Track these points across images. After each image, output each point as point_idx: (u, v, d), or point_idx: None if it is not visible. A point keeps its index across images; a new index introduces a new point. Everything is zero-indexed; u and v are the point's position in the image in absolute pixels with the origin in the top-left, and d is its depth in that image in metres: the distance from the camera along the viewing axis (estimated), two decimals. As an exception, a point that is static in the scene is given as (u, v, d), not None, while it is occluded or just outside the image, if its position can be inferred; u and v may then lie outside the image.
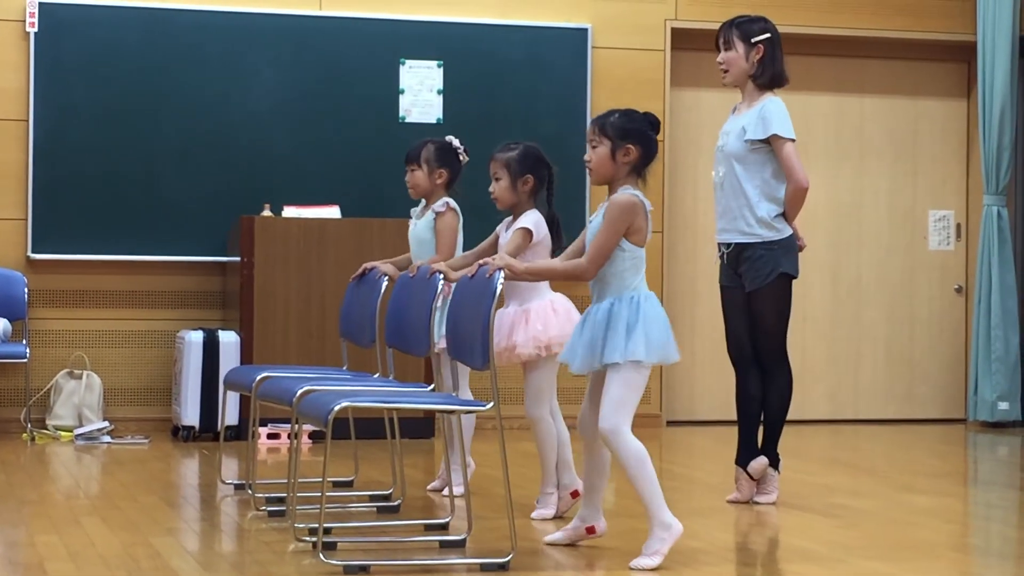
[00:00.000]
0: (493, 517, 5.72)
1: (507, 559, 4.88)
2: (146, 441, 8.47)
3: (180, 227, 8.92)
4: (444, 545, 5.25)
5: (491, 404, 5.02)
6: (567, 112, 9.38)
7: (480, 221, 6.57)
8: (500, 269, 4.97)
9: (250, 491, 6.13)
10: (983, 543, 5.89)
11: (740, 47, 6.38)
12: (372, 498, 6.29)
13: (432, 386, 6.00)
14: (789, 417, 6.50)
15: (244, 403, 8.12)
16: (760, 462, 6.38)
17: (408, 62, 9.27)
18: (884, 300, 10.24)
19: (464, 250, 6.39)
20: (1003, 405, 9.77)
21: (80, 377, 8.75)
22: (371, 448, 7.28)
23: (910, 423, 10.12)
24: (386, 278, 6.33)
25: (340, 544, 5.19)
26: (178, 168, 8.95)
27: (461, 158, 6.58)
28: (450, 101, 9.28)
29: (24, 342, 8.62)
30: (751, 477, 6.39)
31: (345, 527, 5.58)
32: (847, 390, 10.17)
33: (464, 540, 5.23)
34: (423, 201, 6.64)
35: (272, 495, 6.09)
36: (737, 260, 6.38)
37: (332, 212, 8.75)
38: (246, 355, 8.47)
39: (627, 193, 5.01)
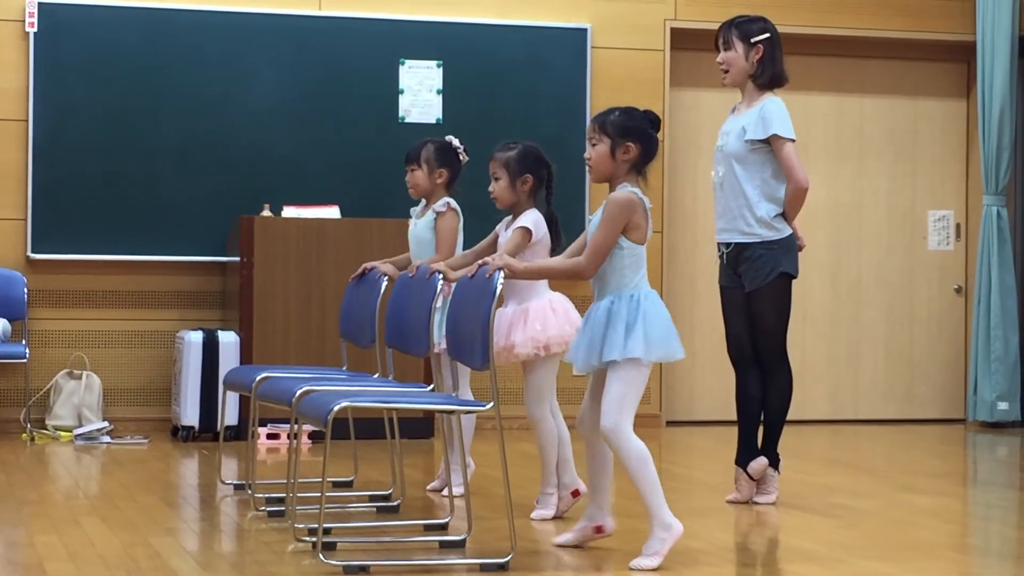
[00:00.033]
0: (493, 517, 5.72)
1: (507, 559, 4.88)
2: (146, 441, 8.47)
3: (180, 227, 8.92)
4: (444, 545, 5.25)
5: (491, 404, 5.02)
6: (567, 112, 9.38)
7: (480, 221, 6.57)
8: (500, 269, 4.96)
9: (250, 491, 6.13)
10: (983, 543, 5.88)
11: (740, 47, 6.38)
12: (372, 498, 6.29)
13: (432, 386, 6.00)
14: (789, 417, 6.50)
15: (244, 403, 8.11)
16: (760, 462, 6.38)
17: (408, 62, 9.27)
18: (884, 300, 10.24)
19: (464, 250, 6.39)
20: (1002, 405, 9.77)
21: (80, 377, 8.75)
22: (371, 448, 7.28)
23: (910, 423, 10.12)
24: (386, 278, 6.33)
25: (340, 544, 5.19)
26: (178, 168, 8.95)
27: (461, 158, 6.58)
28: (450, 101, 9.28)
29: (24, 342, 8.62)
30: (751, 477, 6.39)
31: (345, 527, 5.58)
32: (847, 390, 10.17)
33: (464, 540, 5.23)
34: (423, 201, 6.64)
35: (272, 495, 6.09)
36: (737, 260, 6.38)
37: (332, 212, 8.75)
38: (246, 355, 8.47)
39: (625, 191, 5.01)
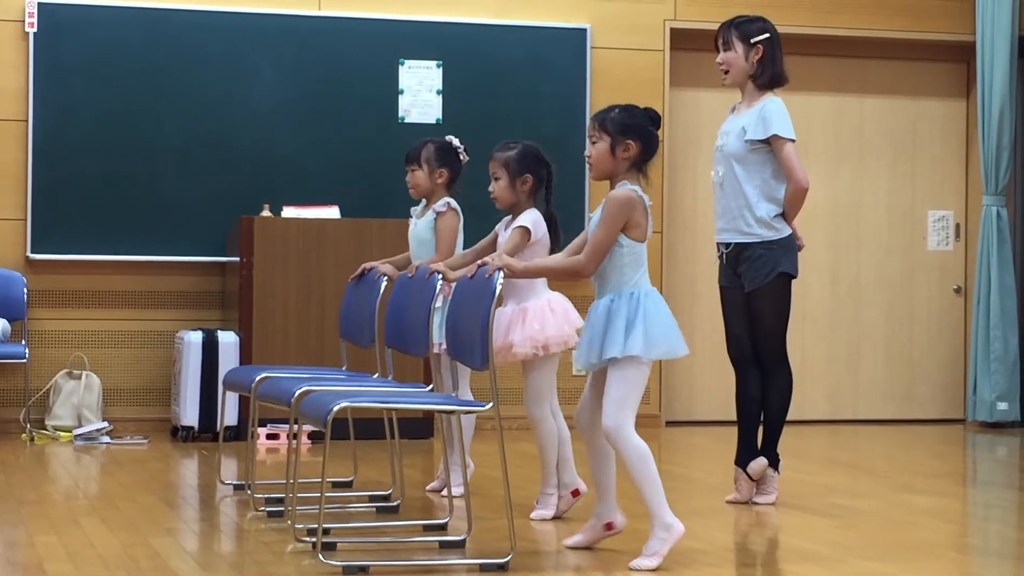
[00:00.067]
0: (492, 517, 5.72)
1: (506, 559, 4.88)
2: (145, 441, 8.47)
3: (180, 227, 8.92)
4: (444, 545, 5.25)
5: (490, 404, 5.02)
6: (566, 112, 9.38)
7: (480, 221, 6.57)
8: (499, 269, 4.96)
9: (249, 491, 6.12)
10: (982, 543, 5.89)
11: (739, 47, 6.38)
12: (371, 498, 6.29)
13: (431, 386, 6.00)
14: (788, 417, 6.50)
15: (243, 403, 8.11)
16: (759, 463, 6.38)
17: (407, 62, 9.27)
18: (883, 300, 10.24)
19: (464, 249, 6.39)
20: (1002, 405, 9.77)
21: (79, 377, 8.75)
22: (370, 448, 7.28)
23: (909, 423, 10.12)
24: (385, 278, 6.33)
25: (339, 544, 5.19)
26: (178, 168, 8.94)
27: (461, 158, 6.58)
28: (449, 101, 9.28)
29: (23, 342, 8.62)
30: (750, 478, 6.39)
31: (344, 527, 5.58)
32: (846, 390, 10.17)
33: (464, 540, 5.23)
34: (423, 201, 6.64)
35: (271, 495, 6.09)
36: (736, 260, 6.38)
37: (331, 212, 8.75)
38: (245, 355, 8.47)
39: (625, 188, 5.00)
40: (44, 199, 8.77)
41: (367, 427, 6.87)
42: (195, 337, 8.52)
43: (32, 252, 8.77)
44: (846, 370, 10.16)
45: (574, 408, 5.25)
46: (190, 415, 8.48)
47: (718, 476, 7.13)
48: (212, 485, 6.82)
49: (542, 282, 5.82)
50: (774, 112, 6.29)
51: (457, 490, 5.93)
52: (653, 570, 4.87)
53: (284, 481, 6.10)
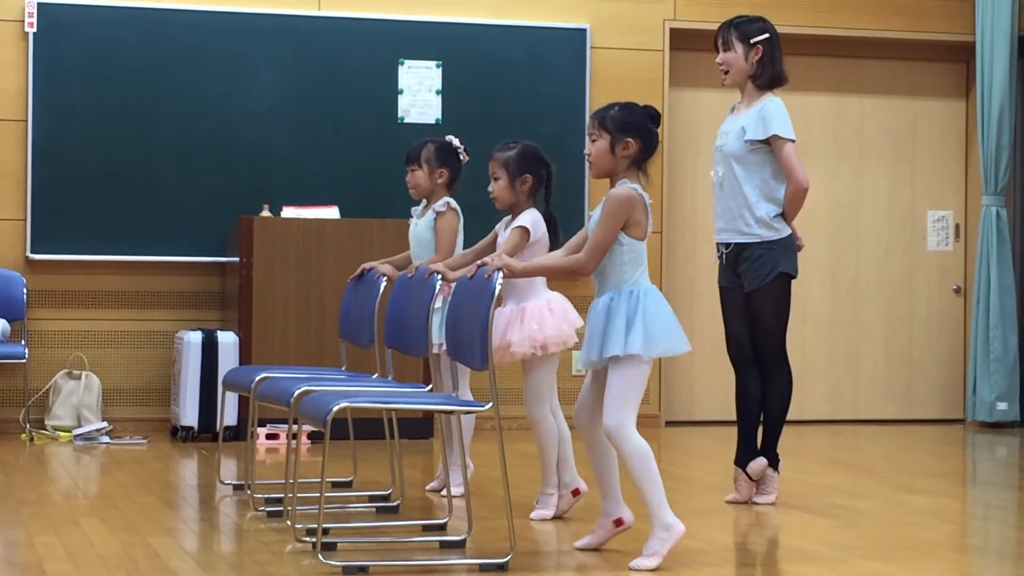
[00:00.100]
0: (492, 517, 5.72)
1: (506, 559, 4.88)
2: (145, 441, 8.47)
3: (179, 227, 8.92)
4: (444, 545, 5.25)
5: (490, 405, 5.02)
6: (566, 112, 9.38)
7: (480, 221, 6.57)
8: (499, 269, 4.96)
9: (249, 491, 6.12)
10: (982, 543, 5.89)
11: (739, 48, 6.38)
12: (371, 498, 6.29)
13: (430, 386, 6.00)
14: (788, 417, 6.50)
15: (243, 403, 8.11)
16: (759, 463, 6.38)
17: (407, 62, 9.27)
18: (883, 300, 10.24)
19: (464, 249, 6.39)
20: (1002, 405, 9.77)
21: (79, 377, 8.75)
22: (370, 448, 7.28)
23: (909, 423, 10.12)
24: (384, 278, 6.33)
25: (339, 544, 5.19)
26: (177, 168, 8.94)
27: (461, 157, 6.58)
28: (449, 101, 9.28)
29: (23, 342, 8.61)
30: (750, 478, 6.39)
31: (344, 527, 5.58)
32: (846, 390, 10.17)
33: (464, 540, 5.23)
34: (424, 201, 6.64)
35: (271, 495, 6.09)
36: (736, 260, 6.38)
37: (331, 212, 8.75)
38: (245, 355, 8.47)
39: (625, 187, 5.00)
40: (44, 199, 8.77)
41: (367, 427, 6.87)
42: (195, 337, 8.52)
43: (32, 252, 8.77)
44: (846, 370, 10.16)
45: (573, 407, 5.25)
46: (190, 415, 8.48)
47: (718, 476, 7.13)
48: (212, 485, 6.82)
49: (541, 282, 5.82)
50: (774, 112, 6.29)
51: (457, 490, 5.93)
52: (653, 570, 4.87)
53: (284, 481, 6.10)
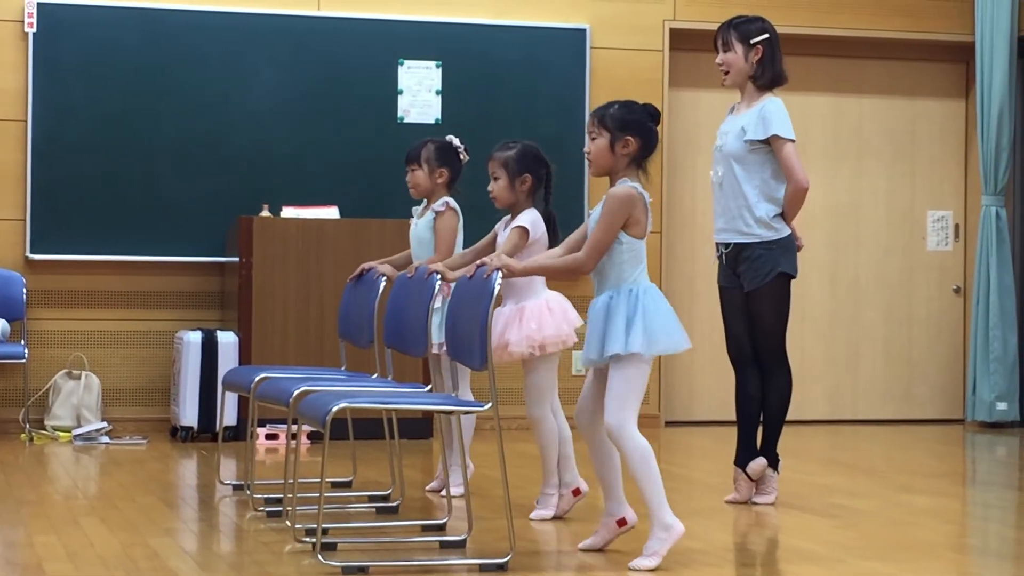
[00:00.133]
0: (492, 518, 5.72)
1: (506, 559, 4.88)
2: (144, 441, 8.47)
3: (179, 227, 8.92)
4: (444, 546, 5.25)
5: (489, 405, 5.02)
6: (566, 112, 9.38)
7: (480, 220, 6.58)
8: (498, 269, 4.96)
9: (248, 492, 6.12)
10: (981, 543, 5.88)
11: (739, 48, 6.38)
12: (371, 499, 6.29)
13: (430, 386, 6.00)
14: (788, 417, 6.50)
15: (242, 403, 8.11)
16: (759, 463, 6.37)
17: (406, 62, 9.27)
18: (882, 300, 10.24)
19: (464, 249, 6.39)
20: (1001, 405, 9.77)
21: (78, 377, 8.74)
22: (369, 448, 7.28)
23: (908, 423, 10.12)
24: (384, 278, 6.33)
25: (339, 545, 5.19)
26: (177, 168, 8.94)
27: (462, 157, 6.58)
28: (448, 101, 9.28)
29: (22, 342, 8.61)
30: (750, 478, 6.39)
31: (344, 528, 5.58)
32: (846, 390, 10.17)
33: (464, 540, 5.23)
34: (425, 200, 6.64)
35: (270, 495, 6.09)
36: (736, 260, 6.38)
37: (331, 212, 8.75)
38: (244, 356, 8.47)
39: (625, 186, 5.00)
40: (43, 199, 8.77)
41: (366, 427, 6.87)
42: (194, 337, 8.52)
43: (31, 252, 8.76)
44: (845, 370, 10.16)
45: (574, 407, 5.25)
46: (189, 415, 8.48)
47: (717, 476, 7.13)
48: (211, 485, 6.82)
49: (540, 281, 5.82)
50: (774, 112, 6.29)
51: (457, 490, 5.93)
52: (652, 570, 4.87)
53: (283, 481, 6.10)
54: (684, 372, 9.77)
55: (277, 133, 9.07)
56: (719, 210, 6.43)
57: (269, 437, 8.41)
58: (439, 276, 5.50)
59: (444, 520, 5.66)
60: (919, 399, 10.27)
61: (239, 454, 7.78)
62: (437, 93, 9.28)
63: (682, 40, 9.67)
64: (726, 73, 6.43)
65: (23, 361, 8.52)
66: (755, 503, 6.38)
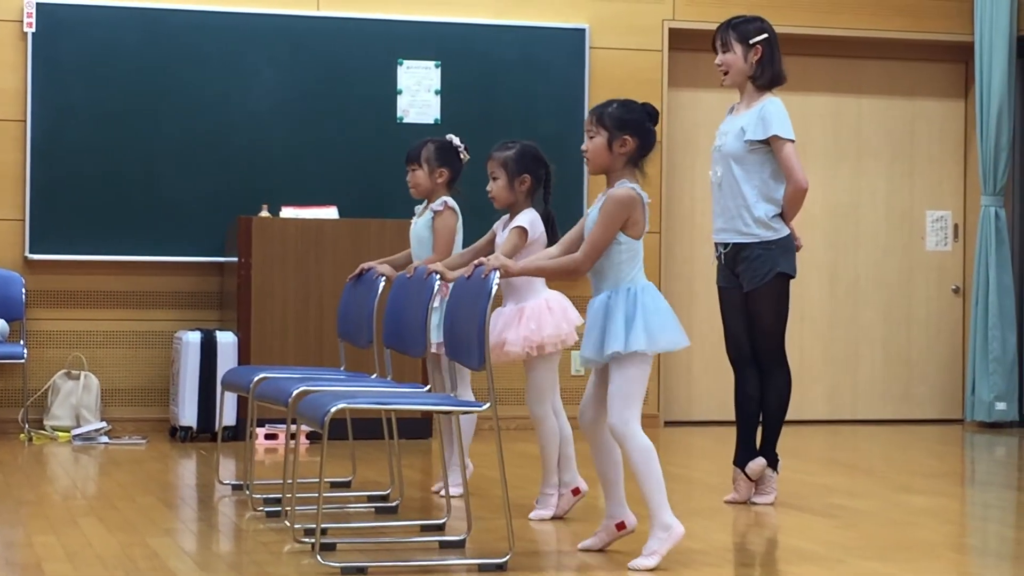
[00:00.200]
0: (491, 518, 5.72)
1: (505, 559, 4.88)
2: (143, 442, 8.47)
3: (178, 227, 8.92)
4: (443, 546, 5.25)
5: (488, 405, 5.02)
6: (565, 112, 9.38)
7: (479, 220, 6.57)
8: (496, 269, 4.96)
9: (247, 492, 6.12)
10: (980, 543, 5.89)
11: (738, 48, 6.38)
12: (370, 499, 6.29)
13: (429, 386, 5.99)
14: (787, 417, 6.50)
15: (242, 404, 8.11)
16: (758, 463, 6.37)
17: (406, 62, 9.27)
18: (882, 300, 10.24)
19: (463, 249, 6.39)
20: (1000, 405, 9.77)
21: (78, 378, 8.74)
22: (369, 448, 7.28)
23: (908, 423, 10.12)
24: (383, 278, 6.33)
25: (338, 545, 5.19)
26: (176, 168, 8.94)
27: (462, 157, 6.58)
28: (448, 101, 9.28)
29: (22, 342, 8.61)
30: (749, 478, 6.39)
31: (343, 528, 5.58)
32: (845, 390, 10.17)
33: (463, 540, 5.23)
34: (426, 200, 6.64)
35: (269, 496, 6.09)
36: (735, 260, 6.38)
37: (330, 213, 8.75)
38: (244, 356, 8.47)
39: (624, 187, 5.00)
40: (42, 199, 8.77)
41: (366, 427, 6.87)
42: (193, 337, 8.52)
43: (30, 252, 8.76)
44: (845, 370, 10.16)
45: (575, 407, 5.25)
46: (188, 415, 8.48)
47: (717, 476, 7.13)
48: (210, 485, 6.82)
49: (540, 281, 5.82)
50: (774, 112, 6.29)
51: (456, 490, 5.92)
52: (652, 570, 4.87)
53: (282, 481, 6.10)
54: (683, 372, 9.77)
55: (277, 133, 9.07)
56: (718, 210, 6.43)
57: (268, 437, 8.41)
58: (438, 276, 5.50)
59: (443, 520, 5.66)
60: (918, 399, 10.28)
61: (238, 454, 7.78)
62: (436, 93, 9.28)
63: (681, 40, 9.67)
64: (725, 73, 6.43)
65: (22, 361, 8.52)
66: (754, 503, 6.38)
